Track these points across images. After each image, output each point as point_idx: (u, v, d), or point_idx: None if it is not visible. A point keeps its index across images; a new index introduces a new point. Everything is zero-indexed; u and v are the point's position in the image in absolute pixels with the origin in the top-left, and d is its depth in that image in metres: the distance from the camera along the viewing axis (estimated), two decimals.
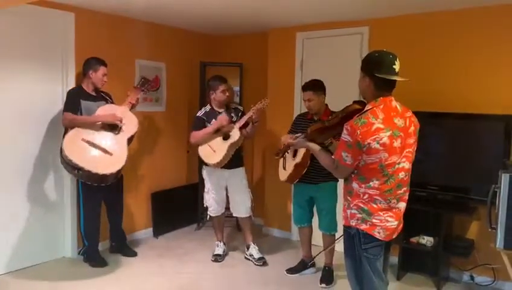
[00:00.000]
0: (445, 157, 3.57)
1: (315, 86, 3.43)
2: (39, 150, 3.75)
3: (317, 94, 3.41)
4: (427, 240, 3.53)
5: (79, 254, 3.94)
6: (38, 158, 3.75)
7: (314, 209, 3.67)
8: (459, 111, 3.50)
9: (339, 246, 3.61)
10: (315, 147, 2.52)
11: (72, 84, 3.85)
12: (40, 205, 3.81)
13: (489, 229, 2.72)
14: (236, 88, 4.98)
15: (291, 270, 3.79)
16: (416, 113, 2.33)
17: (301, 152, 3.36)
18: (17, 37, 3.55)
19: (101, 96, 3.77)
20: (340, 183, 3.54)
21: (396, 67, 2.14)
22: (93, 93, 3.73)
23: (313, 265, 3.84)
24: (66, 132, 3.52)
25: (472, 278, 3.63)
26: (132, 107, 3.77)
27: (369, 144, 2.07)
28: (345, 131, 2.15)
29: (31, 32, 3.64)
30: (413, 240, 3.58)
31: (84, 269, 3.76)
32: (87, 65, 3.69)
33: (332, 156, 2.29)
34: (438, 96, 3.63)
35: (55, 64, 3.81)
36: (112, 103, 3.82)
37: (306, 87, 3.46)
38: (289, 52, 4.56)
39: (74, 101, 3.59)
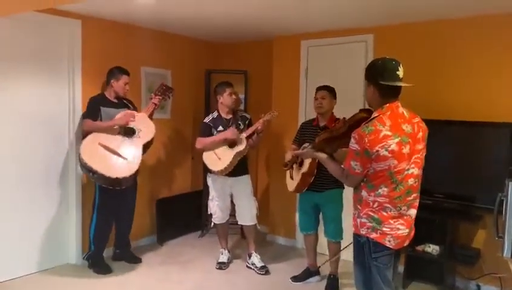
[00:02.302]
0: (450, 165, 3.56)
1: (330, 88, 3.54)
2: (45, 155, 3.76)
3: (330, 96, 3.51)
4: (432, 249, 3.51)
5: (84, 258, 3.93)
6: (43, 164, 3.76)
7: (320, 216, 3.66)
8: (464, 119, 3.49)
9: (345, 255, 3.60)
10: (323, 156, 2.50)
11: (78, 91, 3.88)
12: (45, 211, 3.81)
13: (496, 238, 2.70)
14: (241, 95, 5.00)
15: (296, 278, 3.77)
16: None
17: (307, 161, 3.37)
18: (24, 44, 3.58)
19: (123, 104, 3.86)
20: (346, 191, 3.56)
21: (400, 73, 2.14)
22: (115, 101, 3.81)
23: (318, 273, 3.82)
24: (85, 136, 3.62)
25: (478, 287, 3.60)
26: (151, 114, 3.86)
27: (377, 151, 2.07)
28: (352, 140, 2.14)
29: (38, 39, 3.67)
30: (419, 248, 3.55)
31: (89, 275, 3.76)
32: (110, 74, 3.80)
33: (342, 166, 2.28)
34: (443, 104, 3.62)
35: (62, 71, 3.84)
36: (134, 109, 3.90)
37: (322, 87, 3.56)
38: (294, 60, 4.58)
39: (94, 108, 3.71)
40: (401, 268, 3.61)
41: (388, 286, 2.23)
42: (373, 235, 2.18)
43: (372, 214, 2.18)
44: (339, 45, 4.29)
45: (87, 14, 3.85)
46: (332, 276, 3.62)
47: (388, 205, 2.15)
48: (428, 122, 2.42)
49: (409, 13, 3.58)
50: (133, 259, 4.10)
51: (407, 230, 2.21)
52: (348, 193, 3.57)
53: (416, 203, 2.28)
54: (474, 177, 3.44)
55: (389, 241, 2.17)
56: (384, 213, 2.16)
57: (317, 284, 3.73)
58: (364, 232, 2.21)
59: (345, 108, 3.60)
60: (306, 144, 2.78)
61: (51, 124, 3.79)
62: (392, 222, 2.16)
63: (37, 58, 3.67)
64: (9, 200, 3.56)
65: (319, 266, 3.82)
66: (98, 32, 4.00)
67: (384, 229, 2.16)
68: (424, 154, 2.28)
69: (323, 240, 3.68)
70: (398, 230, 2.18)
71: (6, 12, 3.02)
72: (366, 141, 2.07)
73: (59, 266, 3.92)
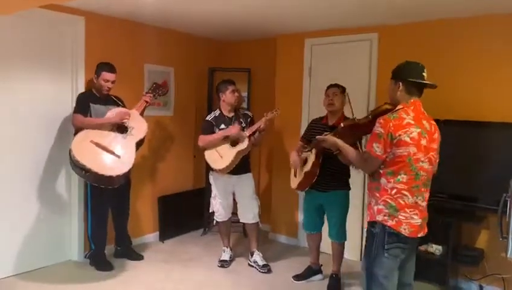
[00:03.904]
0: (454, 165, 3.54)
1: (340, 86, 3.50)
2: (47, 153, 3.77)
3: (342, 93, 3.46)
4: (435, 249, 3.49)
5: (85, 257, 3.94)
6: (46, 161, 3.76)
7: (325, 216, 3.65)
8: (469, 119, 3.48)
9: (347, 254, 3.60)
10: (343, 143, 2.63)
11: (81, 88, 3.88)
12: (48, 208, 3.82)
13: (501, 239, 2.69)
14: (244, 94, 4.99)
15: (298, 277, 3.77)
16: None
17: (310, 161, 3.36)
18: (28, 41, 3.58)
19: (112, 101, 3.79)
20: (353, 191, 3.56)
21: (425, 74, 2.36)
22: (103, 97, 3.75)
23: (320, 271, 3.81)
24: (76, 134, 3.55)
25: (481, 288, 3.59)
26: (142, 112, 3.80)
27: (399, 135, 2.22)
28: (377, 124, 2.29)
29: (42, 35, 3.67)
30: (422, 248, 3.54)
31: (90, 272, 3.76)
32: (96, 70, 3.74)
33: (363, 149, 2.46)
34: (447, 104, 3.60)
35: (65, 67, 3.84)
36: (124, 107, 3.84)
37: (333, 85, 3.52)
38: (297, 58, 4.56)
39: (84, 103, 3.63)
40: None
41: (391, 279, 2.31)
42: (389, 223, 2.29)
43: (389, 201, 2.29)
44: (343, 44, 4.28)
45: (90, 11, 3.84)
46: (334, 275, 3.61)
47: (406, 193, 2.27)
48: None
49: (413, 13, 3.56)
50: (134, 256, 4.10)
51: (419, 220, 2.32)
52: (354, 193, 3.60)
53: (427, 197, 2.40)
54: (478, 177, 3.43)
55: (404, 229, 2.28)
56: (402, 201, 2.28)
57: (319, 282, 3.73)
58: (380, 219, 2.31)
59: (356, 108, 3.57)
60: (327, 132, 2.86)
61: (54, 121, 3.79)
62: (408, 211, 2.28)
63: (40, 55, 3.66)
64: (11, 197, 3.56)
65: (321, 265, 3.81)
66: (101, 29, 3.99)
67: (400, 217, 2.28)
68: (437, 155, 2.40)
69: (326, 239, 3.67)
70: (412, 219, 2.29)
71: (10, 10, 3.01)
72: (391, 125, 2.23)
73: (61, 263, 3.92)
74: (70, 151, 3.41)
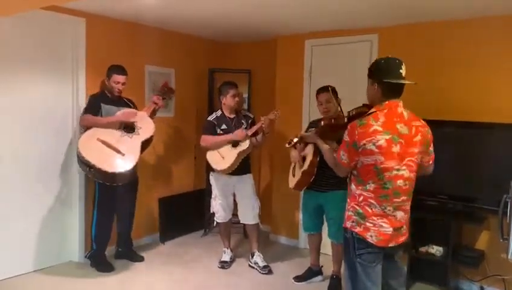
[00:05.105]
0: (455, 166, 3.54)
1: (331, 88, 3.36)
2: (48, 153, 3.77)
3: (334, 96, 3.33)
4: (436, 250, 3.49)
5: (86, 257, 3.94)
6: (47, 161, 3.77)
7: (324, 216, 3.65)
8: (469, 120, 3.47)
9: None
10: (322, 143, 2.63)
11: (82, 89, 3.89)
12: (48, 209, 3.82)
13: (501, 240, 2.69)
14: (245, 95, 4.99)
15: (298, 278, 3.77)
16: (426, 122, 2.31)
17: (308, 160, 3.36)
18: (29, 42, 3.58)
19: (124, 102, 3.85)
20: None
21: (403, 71, 2.17)
22: (115, 99, 3.80)
23: (320, 273, 3.81)
24: (84, 132, 3.61)
25: (482, 289, 3.58)
26: (152, 114, 3.86)
27: (364, 145, 2.11)
28: (346, 131, 2.22)
29: (43, 37, 3.67)
30: (422, 249, 3.55)
31: (91, 273, 3.76)
32: (107, 72, 3.79)
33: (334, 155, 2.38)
34: (448, 104, 3.61)
35: (66, 68, 3.84)
36: (134, 108, 3.89)
37: (323, 89, 3.44)
38: (298, 59, 4.56)
39: (95, 104, 3.70)
40: (403, 269, 3.60)
41: (373, 284, 2.23)
42: (357, 229, 2.22)
43: (357, 207, 2.23)
44: (343, 45, 4.28)
45: (91, 12, 3.84)
46: (335, 276, 3.60)
47: (373, 202, 2.17)
48: (432, 123, 2.41)
49: (414, 14, 3.56)
50: (135, 257, 4.11)
51: (390, 229, 2.18)
52: None
53: (406, 207, 2.25)
54: (479, 178, 3.43)
55: (371, 236, 2.18)
56: (369, 209, 2.19)
57: (319, 284, 3.72)
58: (349, 226, 2.26)
59: (349, 108, 3.58)
60: (311, 129, 2.84)
61: (55, 121, 3.79)
62: (375, 219, 2.18)
63: (41, 56, 3.67)
64: (12, 197, 3.56)
65: (322, 266, 3.81)
66: (102, 31, 4.00)
67: (367, 224, 2.19)
68: (423, 159, 2.27)
69: (327, 240, 3.67)
70: (381, 227, 2.18)
71: (12, 11, 3.02)
72: (356, 133, 2.14)
73: (62, 263, 3.93)
74: (77, 147, 3.50)
